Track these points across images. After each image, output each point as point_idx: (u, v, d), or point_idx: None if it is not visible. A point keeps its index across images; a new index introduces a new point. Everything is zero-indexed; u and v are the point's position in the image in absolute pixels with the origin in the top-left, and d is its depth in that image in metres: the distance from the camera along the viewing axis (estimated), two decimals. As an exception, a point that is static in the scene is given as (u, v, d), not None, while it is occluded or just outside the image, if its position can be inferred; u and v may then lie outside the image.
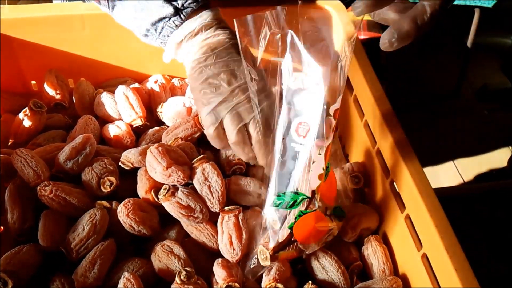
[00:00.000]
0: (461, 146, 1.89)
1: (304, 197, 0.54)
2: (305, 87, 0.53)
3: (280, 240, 0.55)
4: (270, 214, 0.56)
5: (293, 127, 0.54)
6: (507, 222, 0.86)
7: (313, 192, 0.54)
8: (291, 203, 0.54)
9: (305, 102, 0.54)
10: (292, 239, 0.55)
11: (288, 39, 0.52)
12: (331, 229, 0.57)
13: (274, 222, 0.55)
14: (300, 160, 0.53)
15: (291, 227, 0.55)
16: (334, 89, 0.54)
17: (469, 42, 1.77)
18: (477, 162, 1.81)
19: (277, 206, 0.55)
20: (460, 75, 1.96)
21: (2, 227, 0.62)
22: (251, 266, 0.57)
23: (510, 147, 1.84)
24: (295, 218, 0.55)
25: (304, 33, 0.52)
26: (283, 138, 0.54)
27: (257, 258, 0.56)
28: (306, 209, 0.55)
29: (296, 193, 0.54)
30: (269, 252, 0.55)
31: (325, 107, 0.52)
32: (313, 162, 0.53)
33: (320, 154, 0.54)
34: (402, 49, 0.44)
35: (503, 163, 1.79)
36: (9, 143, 0.71)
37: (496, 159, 1.82)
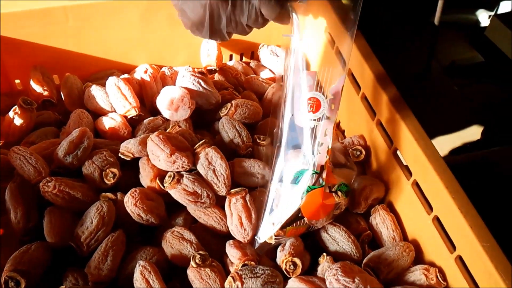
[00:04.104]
0: (435, 125, 1.92)
1: (313, 172, 0.54)
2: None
3: (287, 216, 0.55)
4: (276, 189, 0.56)
5: (303, 103, 0.54)
6: (484, 192, 0.88)
7: (321, 167, 0.55)
8: (301, 178, 0.55)
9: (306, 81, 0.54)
10: (300, 215, 0.56)
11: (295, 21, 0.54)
12: (338, 204, 0.58)
13: (279, 197, 0.56)
14: (312, 136, 0.54)
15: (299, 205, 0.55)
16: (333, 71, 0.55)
17: (436, 20, 1.79)
18: (451, 138, 1.84)
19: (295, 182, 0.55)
20: (428, 54, 1.99)
21: (1, 230, 0.60)
22: (260, 242, 0.58)
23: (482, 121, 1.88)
24: (303, 193, 0.55)
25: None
26: (292, 115, 0.54)
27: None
28: (314, 184, 0.55)
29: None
30: (274, 233, 0.56)
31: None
32: (325, 135, 0.54)
33: (327, 133, 0.54)
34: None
35: (477, 136, 1.83)
36: (0, 143, 0.69)
37: (469, 133, 1.86)
